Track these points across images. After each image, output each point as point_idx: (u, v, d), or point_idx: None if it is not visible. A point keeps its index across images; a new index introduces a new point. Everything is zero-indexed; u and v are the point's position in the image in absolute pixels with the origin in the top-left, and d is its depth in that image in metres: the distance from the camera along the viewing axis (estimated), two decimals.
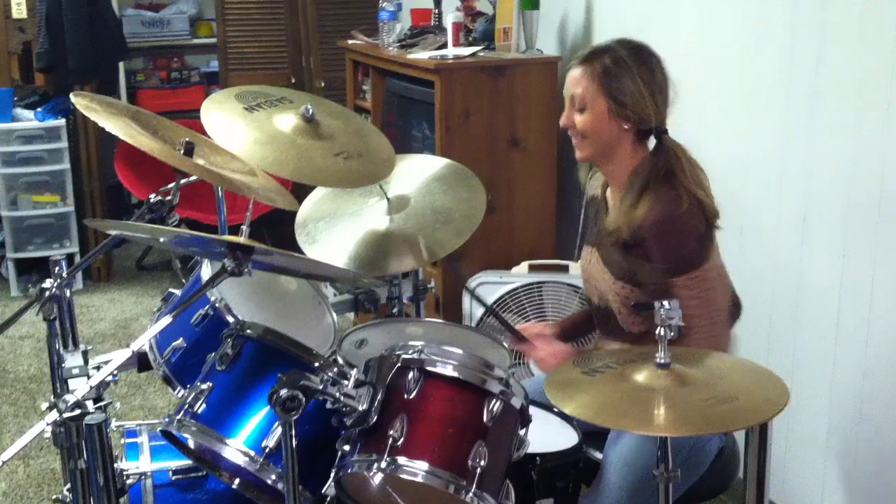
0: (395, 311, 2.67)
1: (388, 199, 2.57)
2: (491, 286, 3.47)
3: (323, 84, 5.20)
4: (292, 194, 2.32)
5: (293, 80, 5.39)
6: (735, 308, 2.21)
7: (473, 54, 3.75)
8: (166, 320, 1.74)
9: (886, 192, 2.43)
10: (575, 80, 2.14)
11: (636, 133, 2.12)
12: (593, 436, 2.12)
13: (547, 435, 2.03)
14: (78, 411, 1.57)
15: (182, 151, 2.06)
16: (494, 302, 3.39)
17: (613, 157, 2.15)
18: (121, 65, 5.74)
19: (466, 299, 3.55)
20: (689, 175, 2.08)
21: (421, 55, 3.84)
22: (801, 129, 2.69)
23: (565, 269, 3.48)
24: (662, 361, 1.65)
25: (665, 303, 1.67)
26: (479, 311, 3.46)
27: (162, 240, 2.10)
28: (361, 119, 2.68)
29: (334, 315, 2.43)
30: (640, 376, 1.66)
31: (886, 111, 2.40)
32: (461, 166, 2.68)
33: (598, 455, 2.15)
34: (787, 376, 2.05)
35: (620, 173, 2.15)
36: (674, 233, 2.06)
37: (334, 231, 2.59)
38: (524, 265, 3.57)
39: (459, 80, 3.63)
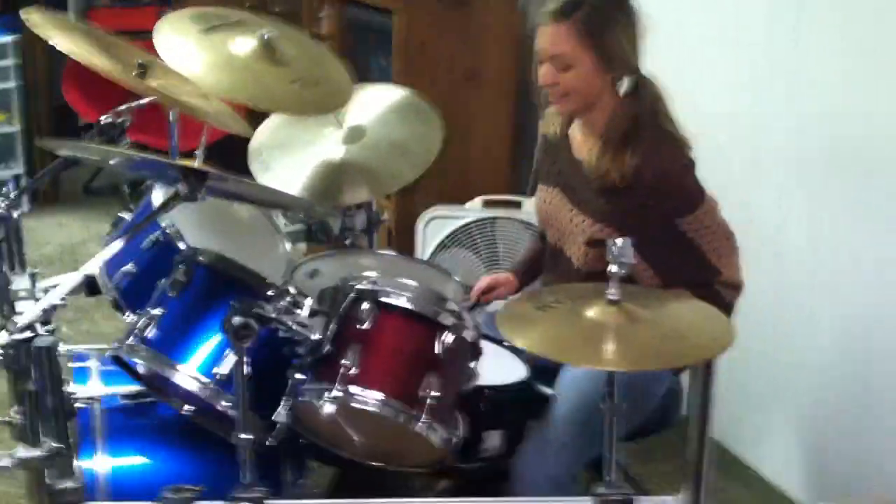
0: (347, 242, 2.66)
1: (343, 129, 2.55)
2: (444, 220, 3.47)
3: (278, 10, 5.09)
4: (247, 120, 2.30)
5: (248, 5, 5.27)
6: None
7: None
8: (117, 245, 1.72)
9: (861, 158, 2.43)
10: (553, 39, 2.06)
11: (613, 79, 2.09)
12: (544, 372, 2.15)
13: (497, 369, 2.05)
14: (28, 334, 1.55)
15: (137, 73, 2.02)
16: (448, 235, 3.40)
17: (595, 106, 2.11)
18: None
19: (419, 233, 3.55)
20: (666, 113, 2.09)
21: None
22: (777, 92, 2.68)
23: (519, 205, 3.49)
24: (613, 298, 1.67)
25: (618, 241, 1.68)
26: (431, 246, 3.46)
27: (114, 162, 2.07)
28: (319, 46, 2.64)
29: (287, 245, 2.42)
30: (591, 312, 1.67)
31: (865, 79, 2.40)
32: (419, 99, 2.65)
33: (548, 390, 2.18)
34: (737, 317, 2.11)
35: (600, 117, 2.12)
36: (679, 179, 2.08)
37: (288, 160, 2.57)
38: (478, 200, 3.57)
39: (419, 10, 3.58)
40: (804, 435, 2.67)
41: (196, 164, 1.77)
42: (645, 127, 2.07)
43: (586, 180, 2.13)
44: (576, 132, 2.22)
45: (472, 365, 1.87)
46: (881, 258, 2.36)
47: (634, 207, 2.08)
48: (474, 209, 3.52)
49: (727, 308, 2.10)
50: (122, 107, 2.15)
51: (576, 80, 2.07)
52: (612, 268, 1.68)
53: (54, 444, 1.62)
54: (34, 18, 2.01)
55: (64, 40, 1.94)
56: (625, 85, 2.09)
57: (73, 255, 4.51)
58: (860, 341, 2.45)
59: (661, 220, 2.08)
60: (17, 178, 4.90)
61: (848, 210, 2.46)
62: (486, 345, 1.93)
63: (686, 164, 2.10)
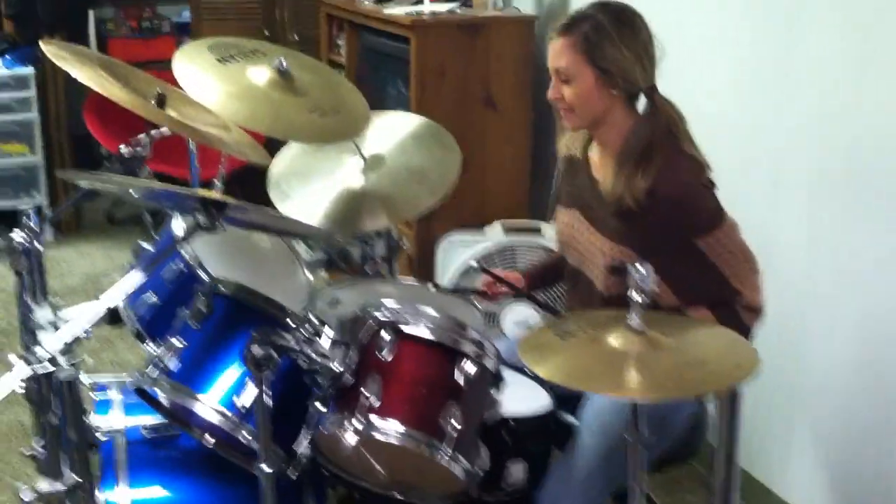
0: (367, 270, 2.66)
1: (362, 157, 2.55)
2: (463, 246, 3.47)
3: (296, 38, 5.13)
4: (266, 149, 2.30)
5: (266, 33, 5.31)
6: None
7: (450, 10, 3.72)
8: (138, 276, 1.72)
9: (854, 158, 2.44)
10: (558, 53, 2.08)
11: (627, 97, 2.09)
12: (567, 400, 2.13)
13: (520, 398, 2.03)
14: (49, 367, 1.55)
15: (154, 103, 2.03)
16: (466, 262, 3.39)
17: (605, 123, 2.11)
18: (90, 13, 5.63)
19: (439, 258, 3.55)
20: (684, 132, 2.08)
21: (397, 10, 3.80)
22: (770, 90, 2.69)
23: (538, 230, 3.48)
24: (635, 326, 1.66)
25: (638, 266, 1.67)
26: (450, 271, 3.45)
27: (134, 193, 2.07)
28: (336, 74, 2.65)
29: (308, 273, 2.42)
30: (613, 340, 1.66)
31: (858, 70, 2.40)
32: (436, 125, 2.66)
33: (571, 419, 2.16)
34: (757, 344, 2.08)
35: (614, 138, 2.12)
36: (696, 199, 2.06)
37: (308, 188, 2.57)
38: (497, 225, 3.57)
39: (435, 36, 3.60)
40: (830, 459, 2.63)
41: (214, 194, 1.76)
42: (659, 148, 2.06)
43: (604, 202, 2.12)
44: (595, 153, 2.22)
45: (493, 393, 1.85)
46: None
47: (651, 228, 2.07)
48: (493, 234, 3.52)
49: (746, 332, 2.08)
50: (141, 136, 2.15)
51: (577, 94, 2.07)
52: (634, 295, 1.67)
53: (76, 478, 1.62)
54: (53, 49, 2.02)
55: (82, 71, 1.95)
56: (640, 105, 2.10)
57: (95, 284, 4.53)
58: (884, 362, 2.42)
59: (679, 240, 2.06)
60: (38, 208, 4.93)
61: (869, 226, 2.44)
62: (508, 373, 1.91)
63: (702, 184, 2.08)
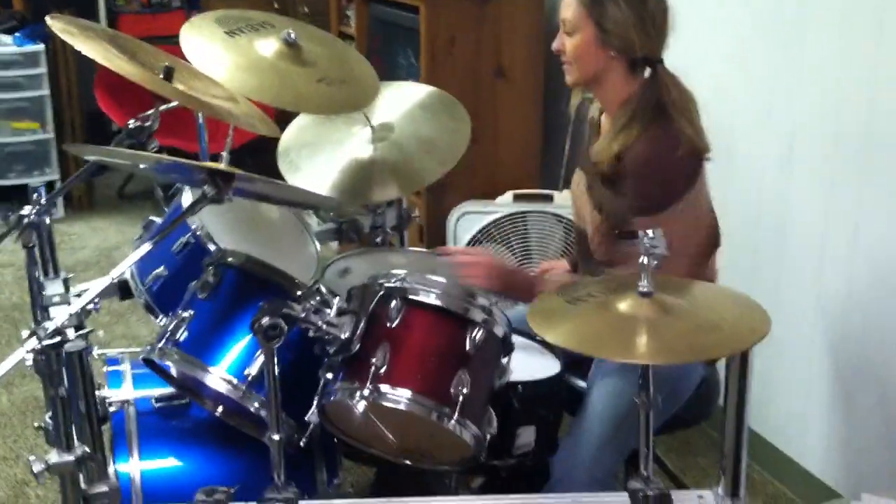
0: (378, 240, 2.66)
1: (371, 127, 2.54)
2: (475, 216, 3.46)
3: (306, 10, 5.11)
4: (275, 121, 2.29)
5: (276, 6, 5.29)
6: (714, 240, 2.20)
7: None
8: (146, 248, 1.72)
9: (873, 122, 2.41)
10: (566, 4, 2.10)
11: (628, 62, 2.08)
12: (576, 365, 2.13)
13: (529, 363, 2.04)
14: (57, 339, 1.56)
15: (161, 76, 2.02)
16: (479, 230, 3.39)
17: (603, 84, 2.12)
18: None
19: (450, 229, 3.54)
20: (681, 109, 2.04)
21: None
22: (789, 58, 2.67)
23: (549, 198, 3.47)
24: (645, 290, 1.65)
25: (649, 232, 1.65)
26: (463, 241, 3.45)
27: (142, 166, 2.07)
28: (345, 45, 2.63)
29: (317, 244, 2.42)
30: (623, 305, 1.65)
31: (875, 41, 2.38)
32: (446, 95, 2.64)
33: (581, 384, 2.16)
34: (771, 306, 2.06)
35: (611, 101, 2.12)
36: (654, 175, 2.04)
37: (317, 159, 2.57)
38: (508, 195, 3.56)
39: (445, 6, 3.57)
40: (844, 423, 2.63)
41: (222, 165, 1.76)
42: (643, 118, 2.04)
43: (592, 167, 2.13)
44: (605, 118, 2.21)
45: (503, 360, 1.85)
46: None
47: (616, 196, 2.06)
48: (505, 204, 3.51)
49: None
50: (149, 111, 2.15)
51: (577, 47, 2.09)
52: (644, 259, 1.66)
53: (87, 449, 1.63)
54: (61, 25, 2.01)
55: (89, 45, 1.94)
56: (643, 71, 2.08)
57: (108, 259, 4.55)
58: None
59: (637, 213, 2.04)
60: (51, 184, 4.95)
61: (886, 198, 2.42)
62: (517, 339, 1.91)
63: (672, 161, 2.02)
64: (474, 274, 2.12)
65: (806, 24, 2.59)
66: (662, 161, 2.03)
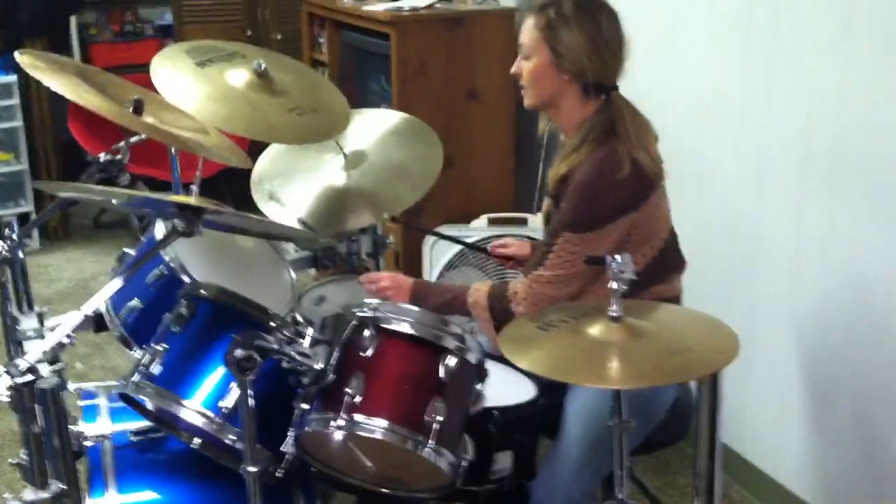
0: (353, 266, 2.66)
1: (344, 155, 2.55)
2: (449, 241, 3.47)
3: (280, 37, 5.13)
4: (249, 151, 2.30)
5: (249, 33, 5.30)
6: (671, 262, 2.21)
7: (430, 6, 3.71)
8: (117, 283, 1.72)
9: (841, 140, 2.45)
10: (524, 29, 2.15)
11: (582, 87, 2.11)
12: (552, 387, 2.14)
13: (505, 388, 2.04)
14: (30, 377, 1.56)
15: (131, 109, 2.03)
16: (455, 255, 3.40)
17: (558, 109, 2.15)
18: (73, 19, 5.61)
19: (426, 254, 3.55)
20: (632, 134, 2.06)
21: (376, 7, 3.80)
22: (758, 78, 2.70)
23: (524, 221, 3.49)
24: (615, 314, 1.66)
25: (617, 257, 1.68)
26: (438, 266, 3.46)
27: (114, 201, 2.07)
28: (316, 74, 2.66)
29: (292, 272, 2.42)
30: (594, 330, 1.67)
31: (842, 62, 2.41)
32: (417, 121, 2.67)
33: (557, 407, 2.17)
34: (745, 324, 2.09)
35: (567, 125, 2.16)
36: (590, 195, 2.05)
37: (291, 188, 2.58)
38: (483, 218, 3.58)
39: (415, 32, 3.60)
40: (819, 438, 2.65)
41: (191, 199, 1.76)
42: (594, 139, 2.07)
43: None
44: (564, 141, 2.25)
45: (478, 387, 1.86)
46: (891, 258, 2.35)
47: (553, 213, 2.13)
48: (480, 228, 3.53)
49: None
50: (119, 144, 2.16)
51: (531, 72, 2.13)
52: (613, 284, 1.67)
53: (61, 486, 1.62)
54: (29, 60, 2.02)
55: (58, 80, 1.95)
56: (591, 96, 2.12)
57: (85, 289, 4.53)
58: (872, 347, 2.43)
59: (553, 223, 2.11)
60: (25, 215, 4.93)
61: (857, 215, 2.45)
62: (492, 365, 1.92)
63: (617, 181, 2.03)
64: (383, 296, 2.22)
65: (774, 46, 2.63)
66: (602, 182, 2.05)
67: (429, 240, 3.53)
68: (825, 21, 2.45)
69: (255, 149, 2.57)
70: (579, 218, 2.06)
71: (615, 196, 2.05)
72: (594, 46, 2.07)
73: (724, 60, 2.83)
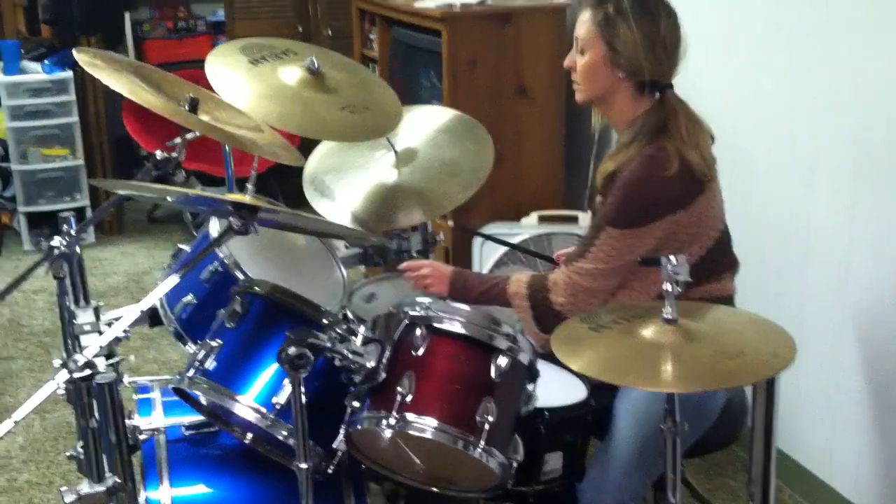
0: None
1: (395, 152, 2.56)
2: (500, 238, 3.46)
3: (330, 33, 5.15)
4: (300, 148, 2.31)
5: (300, 29, 5.34)
6: (723, 261, 2.18)
7: (481, 2, 3.70)
8: (174, 279, 1.75)
9: (894, 138, 2.40)
10: (581, 22, 2.13)
11: (636, 84, 2.09)
12: (602, 388, 2.13)
13: (555, 388, 2.04)
14: (88, 371, 1.58)
15: (187, 108, 2.05)
16: (505, 253, 3.39)
17: (611, 105, 2.13)
18: (126, 15, 5.69)
19: (475, 251, 3.55)
20: (684, 133, 2.04)
21: (428, 3, 3.79)
22: (809, 77, 2.66)
23: (574, 219, 3.47)
24: (669, 317, 1.65)
25: (672, 258, 1.66)
26: (488, 264, 3.46)
27: (170, 199, 2.10)
28: (367, 71, 2.66)
29: (343, 269, 2.44)
30: (647, 332, 1.65)
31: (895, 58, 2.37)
32: (468, 118, 2.66)
33: (608, 407, 2.16)
34: (794, 326, 2.05)
35: (620, 122, 2.14)
36: (635, 192, 2.04)
37: (342, 185, 2.59)
38: (534, 216, 3.56)
39: (466, 28, 3.59)
40: (873, 443, 2.61)
41: (246, 197, 1.78)
42: (646, 136, 2.06)
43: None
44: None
45: (529, 387, 1.86)
46: None
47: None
48: (530, 225, 3.51)
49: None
50: (175, 141, 2.18)
51: (586, 66, 2.11)
52: (667, 286, 1.66)
53: (117, 480, 1.65)
54: (87, 57, 2.05)
55: (115, 78, 1.97)
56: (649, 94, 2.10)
57: (138, 283, 4.59)
58: None
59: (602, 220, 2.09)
60: (81, 210, 5.01)
61: None
62: (544, 365, 1.92)
63: (664, 178, 2.02)
64: (423, 283, 2.24)
65: (826, 42, 2.59)
66: (648, 179, 2.03)
67: (478, 237, 3.53)
68: (876, 16, 2.40)
69: (305, 145, 2.59)
70: (623, 214, 2.05)
71: (661, 194, 2.04)
72: (651, 44, 2.05)
73: (772, 57, 2.79)
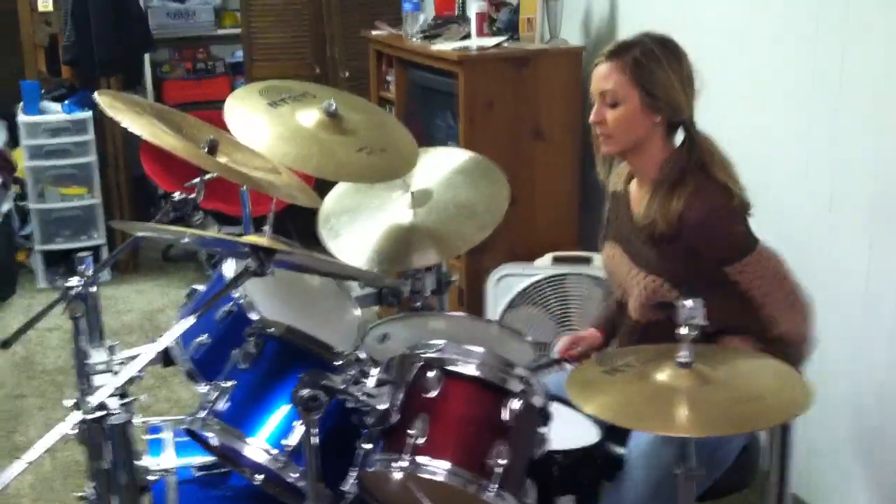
0: (417, 304, 2.67)
1: (411, 193, 2.57)
2: (514, 278, 3.46)
3: (347, 74, 5.20)
4: (316, 188, 2.33)
5: (317, 71, 5.39)
6: None
7: (497, 45, 3.74)
8: (189, 321, 1.75)
9: None
10: (604, 76, 2.12)
11: (667, 127, 2.11)
12: (615, 430, 2.11)
13: (568, 431, 2.02)
14: (101, 413, 1.58)
15: (206, 150, 2.07)
16: (518, 293, 3.39)
17: (643, 151, 2.13)
18: (146, 56, 5.76)
19: (489, 292, 3.54)
20: (722, 166, 2.08)
21: (444, 46, 3.83)
22: (826, 117, 2.67)
23: (588, 261, 3.47)
24: (684, 361, 1.64)
25: (687, 302, 1.66)
26: (502, 304, 3.45)
27: (186, 240, 2.11)
28: (384, 113, 2.68)
29: (358, 310, 2.44)
30: (662, 376, 1.65)
31: None
32: (484, 159, 2.67)
33: (621, 450, 2.14)
34: (815, 366, 2.04)
35: (649, 167, 2.14)
36: (723, 223, 2.06)
37: (357, 225, 2.60)
38: (548, 257, 3.56)
39: (483, 71, 3.62)
40: (888, 490, 2.57)
41: (264, 239, 1.79)
42: (691, 176, 2.07)
43: (638, 231, 2.13)
44: (634, 186, 2.23)
45: (541, 430, 1.85)
46: None
47: (680, 255, 2.07)
48: (544, 266, 3.51)
49: (793, 360, 2.05)
50: (193, 181, 2.20)
51: (621, 118, 2.10)
52: (683, 330, 1.65)
53: None
54: (108, 100, 2.07)
55: (135, 121, 2.00)
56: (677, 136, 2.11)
57: (152, 322, 4.60)
58: None
59: (708, 267, 2.06)
60: (97, 248, 5.04)
61: None
62: (557, 407, 1.91)
63: (732, 211, 2.06)
64: None
65: (843, 80, 2.59)
66: (724, 211, 2.05)
67: (493, 278, 3.53)
68: (894, 55, 2.41)
69: (321, 185, 2.60)
70: (730, 245, 2.05)
71: (738, 216, 2.08)
72: (682, 82, 2.08)
73: (791, 93, 2.79)
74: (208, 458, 2.08)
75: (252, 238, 1.79)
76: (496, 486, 1.71)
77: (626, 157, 2.20)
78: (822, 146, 2.69)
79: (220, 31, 6.25)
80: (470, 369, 1.78)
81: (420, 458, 1.72)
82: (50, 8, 5.29)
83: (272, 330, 1.96)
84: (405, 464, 1.72)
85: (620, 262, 2.22)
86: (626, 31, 3.47)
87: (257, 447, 1.83)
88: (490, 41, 3.77)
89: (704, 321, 1.67)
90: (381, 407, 1.77)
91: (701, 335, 1.96)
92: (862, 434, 2.64)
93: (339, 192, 2.69)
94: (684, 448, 1.69)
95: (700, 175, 2.07)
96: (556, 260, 3.53)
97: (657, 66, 2.07)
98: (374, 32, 4.45)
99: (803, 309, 2.10)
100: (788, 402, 1.63)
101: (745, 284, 2.05)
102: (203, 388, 2.11)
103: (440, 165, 2.66)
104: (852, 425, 2.67)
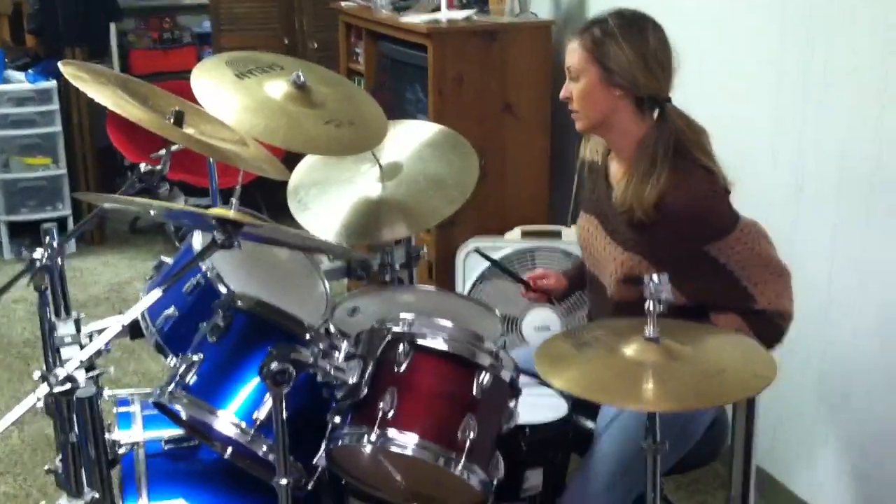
0: (387, 277, 2.67)
1: (380, 166, 2.56)
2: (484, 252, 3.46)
3: (316, 45, 5.16)
4: (285, 160, 2.31)
5: (286, 42, 5.34)
6: None
7: (467, 18, 3.72)
8: (156, 294, 1.74)
9: (881, 164, 2.42)
10: (570, 51, 2.15)
11: (635, 101, 2.10)
12: (584, 405, 2.13)
13: (537, 405, 2.04)
14: (68, 385, 1.57)
15: (172, 121, 2.05)
16: (488, 267, 3.39)
17: (613, 127, 2.14)
18: (112, 26, 5.68)
19: (459, 265, 3.55)
20: (698, 146, 2.08)
21: (414, 18, 3.81)
22: (795, 100, 2.68)
23: (558, 234, 3.48)
24: (651, 335, 1.66)
25: (655, 277, 1.67)
26: (471, 278, 3.46)
27: (153, 213, 2.09)
28: (353, 86, 2.66)
29: (327, 283, 2.43)
30: (629, 350, 1.66)
31: (881, 83, 2.39)
32: (453, 133, 2.66)
33: (590, 424, 2.16)
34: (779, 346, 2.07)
35: (625, 144, 2.14)
36: (705, 208, 2.06)
37: (326, 198, 2.58)
38: (517, 231, 3.57)
39: (452, 44, 3.60)
40: (852, 461, 2.62)
41: (231, 212, 1.78)
42: (666, 159, 2.06)
43: (618, 214, 2.13)
44: (613, 161, 2.23)
45: (511, 404, 1.86)
46: None
47: (661, 238, 2.07)
48: (513, 240, 3.52)
49: (778, 336, 2.09)
50: (160, 152, 2.17)
51: (583, 93, 2.12)
52: (650, 305, 1.66)
53: (96, 495, 1.64)
54: (72, 70, 2.04)
55: (100, 91, 1.97)
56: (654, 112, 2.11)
57: (119, 294, 4.57)
58: None
59: (689, 247, 2.07)
60: (63, 219, 4.99)
61: (893, 232, 2.42)
62: (525, 380, 1.92)
63: (713, 191, 2.08)
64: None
65: (812, 67, 2.61)
66: (705, 196, 2.06)
67: (462, 252, 3.53)
68: (862, 43, 2.43)
69: (290, 157, 2.58)
70: (712, 228, 2.06)
71: (724, 203, 2.09)
72: (643, 58, 2.07)
73: (759, 83, 2.80)
74: (177, 432, 2.07)
75: (219, 210, 1.78)
76: (465, 459, 1.72)
77: (600, 134, 2.20)
78: (791, 131, 2.71)
79: (188, 1, 6.17)
80: (439, 343, 1.79)
81: (389, 432, 1.73)
82: None
83: (241, 303, 1.95)
84: (374, 437, 1.72)
85: (596, 234, 2.22)
86: (597, 5, 3.48)
87: (226, 420, 1.83)
88: (460, 14, 3.75)
89: (672, 296, 1.68)
90: (351, 381, 1.77)
91: (689, 313, 2.00)
92: (826, 409, 2.68)
93: (308, 165, 2.68)
94: (652, 422, 1.71)
95: (677, 158, 2.07)
96: (526, 234, 3.54)
97: (612, 42, 2.08)
98: (343, 3, 4.41)
99: (781, 283, 2.11)
100: (753, 377, 1.64)
101: (724, 260, 2.06)
102: (171, 362, 2.11)
103: (410, 139, 2.65)
104: (817, 400, 2.71)
